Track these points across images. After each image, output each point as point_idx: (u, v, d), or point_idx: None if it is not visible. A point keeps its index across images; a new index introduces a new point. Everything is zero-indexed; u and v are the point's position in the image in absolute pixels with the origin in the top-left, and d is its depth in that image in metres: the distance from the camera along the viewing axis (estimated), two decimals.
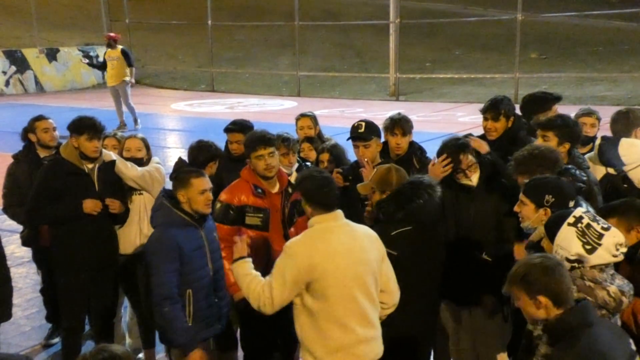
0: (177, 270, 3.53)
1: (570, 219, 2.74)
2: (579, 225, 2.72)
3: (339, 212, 3.15)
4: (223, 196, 3.96)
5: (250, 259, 3.23)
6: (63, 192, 4.20)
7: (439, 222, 3.66)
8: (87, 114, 4.42)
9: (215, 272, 3.74)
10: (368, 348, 3.13)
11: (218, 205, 3.93)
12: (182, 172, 3.74)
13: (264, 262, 3.76)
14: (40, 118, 5.04)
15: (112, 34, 14.68)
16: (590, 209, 3.12)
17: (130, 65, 13.80)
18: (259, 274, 3.17)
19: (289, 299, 3.08)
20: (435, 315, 3.78)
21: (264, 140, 3.89)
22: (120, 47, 13.93)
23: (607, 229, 2.72)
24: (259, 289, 3.07)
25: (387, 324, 3.28)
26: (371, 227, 3.41)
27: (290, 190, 4.00)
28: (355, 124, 4.26)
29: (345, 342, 3.06)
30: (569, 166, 3.61)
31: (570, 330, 2.40)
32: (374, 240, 3.20)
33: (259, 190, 3.93)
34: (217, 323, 3.77)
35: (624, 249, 2.73)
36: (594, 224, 2.72)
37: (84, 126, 4.21)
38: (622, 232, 2.98)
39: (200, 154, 4.46)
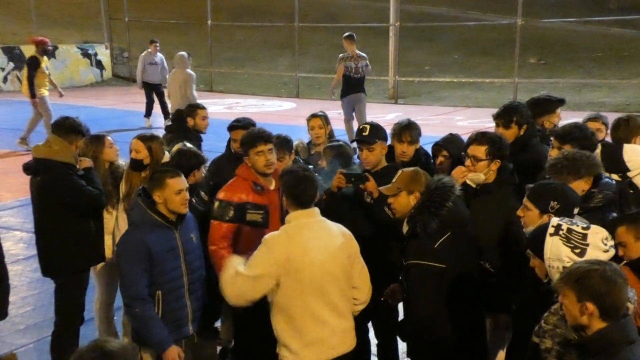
0: (145, 270, 3.48)
1: (550, 230, 2.68)
2: (561, 232, 2.67)
3: (314, 210, 3.30)
4: (222, 194, 3.93)
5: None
6: None
7: (468, 222, 3.43)
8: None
9: (190, 274, 3.67)
10: (342, 339, 3.29)
11: (217, 203, 3.92)
12: (158, 172, 3.70)
13: None
14: (201, 106, 5.87)
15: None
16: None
17: None
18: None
19: (255, 288, 3.18)
20: (483, 324, 3.53)
21: (263, 136, 3.93)
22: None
23: (587, 228, 2.68)
24: (228, 270, 3.24)
25: (435, 338, 3.23)
26: (411, 243, 3.29)
27: None
28: (361, 127, 4.18)
29: (320, 335, 3.21)
30: (605, 175, 3.50)
31: (611, 346, 2.25)
32: (348, 238, 3.35)
33: (259, 188, 3.93)
34: (187, 325, 3.69)
35: (612, 242, 2.71)
36: (574, 227, 2.68)
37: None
38: (630, 240, 2.95)
39: (182, 161, 4.28)
